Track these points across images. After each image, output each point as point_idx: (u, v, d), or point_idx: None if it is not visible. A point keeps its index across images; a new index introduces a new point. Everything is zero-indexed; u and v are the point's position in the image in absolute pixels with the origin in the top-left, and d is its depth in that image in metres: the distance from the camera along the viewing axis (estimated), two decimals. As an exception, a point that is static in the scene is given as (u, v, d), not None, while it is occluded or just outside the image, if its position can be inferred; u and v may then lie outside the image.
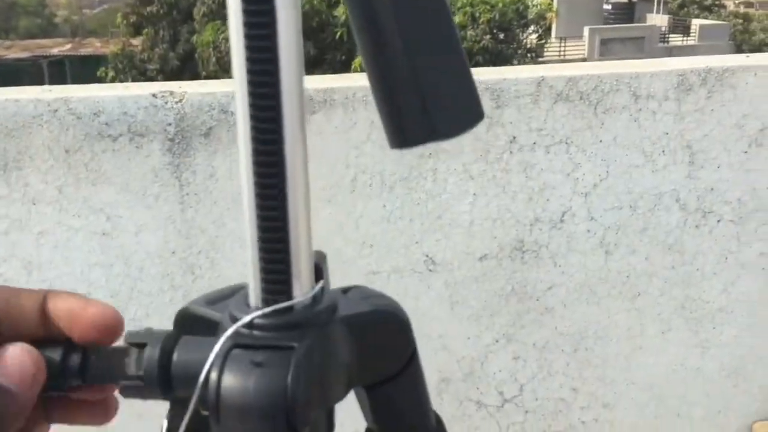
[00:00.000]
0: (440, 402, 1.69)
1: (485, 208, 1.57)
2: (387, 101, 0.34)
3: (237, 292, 0.38)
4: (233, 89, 0.33)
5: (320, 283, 0.36)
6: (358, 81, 1.48)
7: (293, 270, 0.35)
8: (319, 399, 0.35)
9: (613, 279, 1.65)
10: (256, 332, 0.34)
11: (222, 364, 0.33)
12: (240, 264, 1.50)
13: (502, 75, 1.51)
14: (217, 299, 0.39)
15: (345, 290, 0.41)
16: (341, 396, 0.38)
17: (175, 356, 0.35)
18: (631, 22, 20.78)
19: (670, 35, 20.98)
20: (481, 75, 1.52)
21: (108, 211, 1.43)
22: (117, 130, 1.39)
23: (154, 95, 1.40)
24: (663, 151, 1.57)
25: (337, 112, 1.46)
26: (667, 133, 1.56)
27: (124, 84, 1.46)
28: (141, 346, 0.35)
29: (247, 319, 0.34)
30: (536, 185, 1.57)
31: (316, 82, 1.49)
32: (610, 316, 1.68)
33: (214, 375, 0.33)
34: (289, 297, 0.35)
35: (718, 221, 1.63)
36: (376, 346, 0.40)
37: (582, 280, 1.64)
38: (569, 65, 1.65)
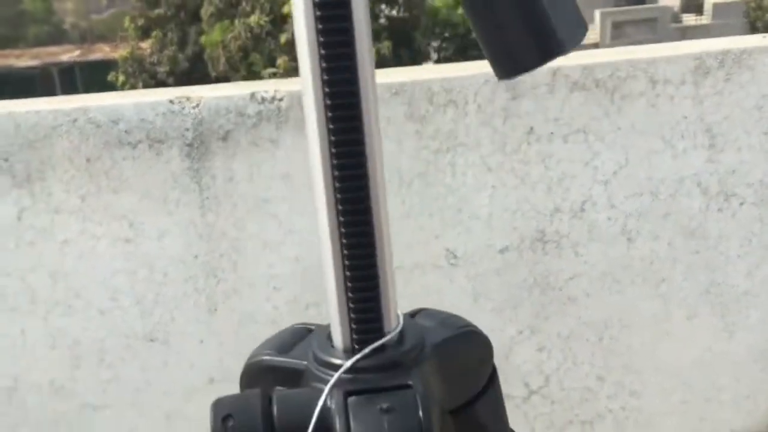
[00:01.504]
0: (466, 395, 1.69)
1: (504, 199, 1.56)
2: (514, 23, 0.32)
3: (301, 335, 0.36)
4: (301, 92, 0.30)
5: (401, 316, 0.35)
6: (372, 78, 1.48)
7: (383, 305, 0.33)
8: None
9: (636, 266, 1.64)
10: (359, 376, 0.33)
11: (345, 414, 0.31)
12: (264, 265, 1.50)
13: (517, 66, 1.51)
14: (286, 346, 0.36)
15: (412, 315, 0.39)
16: (445, 424, 0.36)
17: (276, 414, 0.32)
18: (643, 3, 20.57)
19: (683, 15, 20.75)
20: (496, 67, 1.51)
21: (130, 217, 1.44)
22: (136, 137, 1.40)
23: (171, 101, 1.41)
24: (682, 136, 1.56)
25: (353, 110, 1.46)
26: (686, 117, 1.55)
27: (141, 91, 1.46)
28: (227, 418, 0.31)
29: (350, 362, 0.32)
30: (555, 175, 1.56)
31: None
32: (635, 304, 1.67)
33: (339, 425, 0.30)
34: (382, 335, 0.33)
35: (741, 204, 1.62)
36: (462, 369, 0.39)
37: (604, 269, 1.64)
38: (584, 53, 1.64)
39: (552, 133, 1.53)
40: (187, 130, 1.42)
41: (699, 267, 1.65)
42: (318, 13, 0.28)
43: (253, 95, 1.43)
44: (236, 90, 1.48)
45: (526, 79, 1.50)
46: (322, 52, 0.29)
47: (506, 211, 1.57)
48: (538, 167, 1.55)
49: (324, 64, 0.29)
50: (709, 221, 1.62)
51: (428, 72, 1.52)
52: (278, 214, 1.48)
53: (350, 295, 0.32)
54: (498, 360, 1.53)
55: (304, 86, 0.29)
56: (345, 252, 0.31)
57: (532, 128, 1.52)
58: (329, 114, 0.29)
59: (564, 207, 1.58)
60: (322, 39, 0.28)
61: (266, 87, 1.47)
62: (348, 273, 0.31)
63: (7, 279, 1.44)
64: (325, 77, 0.29)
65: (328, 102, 0.29)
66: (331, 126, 0.29)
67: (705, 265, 1.65)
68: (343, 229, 0.30)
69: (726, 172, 1.59)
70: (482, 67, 1.54)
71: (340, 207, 0.30)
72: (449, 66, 1.62)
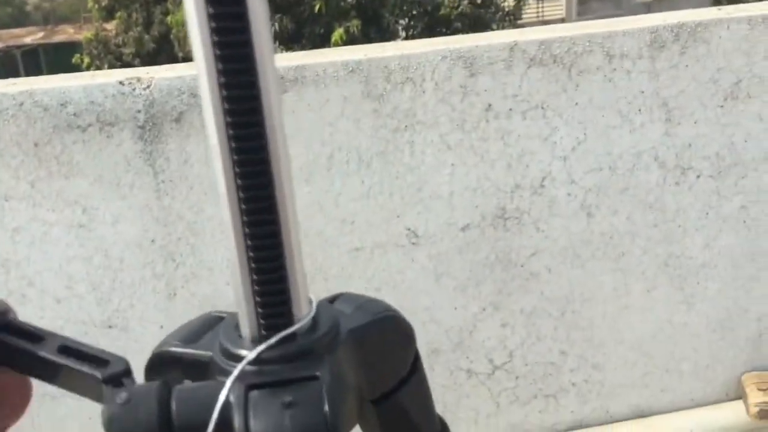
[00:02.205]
0: (431, 373, 1.69)
1: (465, 177, 1.56)
2: None
3: (212, 324, 0.34)
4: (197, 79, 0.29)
5: (315, 301, 0.33)
6: (328, 57, 1.46)
7: (292, 291, 0.31)
8: (349, 424, 0.32)
9: (596, 241, 1.65)
10: (264, 367, 0.31)
11: (245, 410, 0.29)
12: (222, 249, 1.48)
13: (474, 42, 1.49)
14: (194, 335, 0.35)
15: (331, 300, 0.38)
16: (360, 415, 0.35)
17: (174, 409, 0.30)
18: (609, -22, 20.57)
19: (649, -10, 20.82)
20: (454, 43, 1.50)
21: (83, 202, 1.41)
22: (86, 120, 1.37)
23: (121, 82, 1.37)
24: (639, 110, 1.57)
25: (309, 89, 1.44)
26: (643, 92, 1.55)
27: (90, 72, 1.42)
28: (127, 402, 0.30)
29: (254, 354, 0.30)
30: (514, 152, 1.56)
31: (285, 60, 1.46)
32: (595, 278, 1.68)
33: (238, 422, 0.29)
34: (291, 322, 0.31)
35: (698, 177, 1.63)
36: (382, 357, 0.37)
37: (565, 244, 1.64)
38: (541, 28, 1.63)
39: (510, 109, 1.52)
40: (139, 111, 1.39)
41: (657, 240, 1.67)
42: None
43: (206, 75, 1.40)
44: (189, 70, 1.45)
45: (482, 54, 1.49)
46: (215, 39, 0.27)
47: (467, 189, 1.56)
48: (497, 144, 1.54)
49: (218, 52, 0.27)
50: (666, 195, 1.63)
51: (384, 49, 1.50)
52: (236, 196, 1.46)
53: (255, 277, 0.30)
54: (462, 336, 1.54)
55: (199, 73, 0.28)
56: (248, 233, 0.29)
57: (490, 105, 1.52)
58: (226, 103, 0.28)
59: (524, 183, 1.58)
60: (214, 25, 0.27)
61: (220, 67, 1.44)
62: (252, 255, 0.30)
63: (-44, 268, 1.40)
64: (220, 66, 0.27)
65: (224, 93, 0.28)
66: (227, 106, 0.28)
67: (663, 238, 1.67)
68: (245, 218, 0.29)
69: (683, 146, 1.60)
70: (438, 43, 1.53)
71: (241, 194, 0.29)
72: (405, 43, 1.60)
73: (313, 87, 1.44)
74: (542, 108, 1.53)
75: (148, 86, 1.39)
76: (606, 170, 1.60)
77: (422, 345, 1.66)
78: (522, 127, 1.54)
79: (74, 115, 1.36)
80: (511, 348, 1.71)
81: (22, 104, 1.34)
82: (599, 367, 1.76)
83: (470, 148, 1.54)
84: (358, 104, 1.46)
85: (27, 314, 1.45)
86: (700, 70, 1.55)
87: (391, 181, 1.53)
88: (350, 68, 1.45)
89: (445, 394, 1.71)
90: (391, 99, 1.48)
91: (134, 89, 1.38)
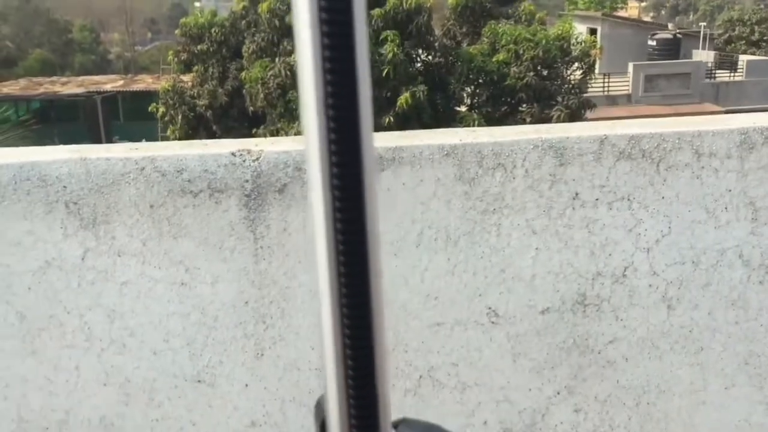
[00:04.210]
0: (500, 453, 1.70)
1: (548, 262, 1.60)
2: None
3: None
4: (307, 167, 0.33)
5: None
6: (425, 140, 1.54)
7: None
8: None
9: (675, 333, 1.66)
10: None
11: None
12: (311, 314, 1.55)
13: (565, 133, 1.56)
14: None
15: (395, 425, 0.41)
16: None
17: None
18: (677, 58, 20.62)
19: (717, 71, 20.74)
20: (546, 133, 1.56)
21: (187, 263, 1.50)
22: (198, 186, 1.47)
23: (233, 153, 1.48)
24: (726, 208, 1.59)
25: (405, 169, 1.52)
26: (730, 190, 1.58)
27: (204, 141, 1.53)
28: None
29: None
30: (598, 240, 1.59)
31: (384, 141, 1.55)
32: (673, 371, 1.68)
33: None
34: None
35: (783, 277, 1.63)
36: None
37: (644, 334, 1.65)
38: (632, 122, 1.68)
39: (597, 199, 1.57)
40: (247, 181, 1.49)
41: (738, 337, 1.66)
42: (327, 74, 0.31)
43: (310, 151, 1.50)
44: (294, 145, 1.54)
45: (573, 146, 1.54)
46: (331, 125, 0.32)
47: (549, 273, 1.60)
48: (582, 232, 1.58)
49: (333, 136, 0.32)
50: (749, 293, 1.63)
51: (477, 135, 1.58)
52: (328, 265, 1.53)
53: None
54: (535, 419, 1.55)
55: (309, 149, 0.33)
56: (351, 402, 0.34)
57: (577, 194, 1.56)
58: (335, 180, 0.32)
59: (606, 272, 1.61)
60: (331, 113, 0.31)
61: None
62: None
63: (66, 316, 1.50)
64: (333, 148, 0.32)
65: (335, 171, 0.32)
66: (336, 182, 0.32)
67: (744, 336, 1.66)
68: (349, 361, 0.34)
69: (769, 246, 1.61)
70: (530, 132, 1.59)
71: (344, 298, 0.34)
72: (497, 129, 1.67)
73: (409, 167, 1.52)
74: (628, 200, 1.57)
75: (257, 158, 1.49)
76: (689, 264, 1.62)
77: (494, 424, 1.68)
78: (607, 217, 1.58)
79: (188, 181, 1.47)
80: (583, 434, 1.71)
81: (143, 169, 1.45)
82: (672, 461, 1.74)
83: (555, 234, 1.58)
84: (451, 186, 1.53)
85: (125, 363, 1.53)
86: (788, 173, 1.57)
87: (476, 260, 1.58)
88: (445, 151, 1.53)
89: (513, 475, 1.71)
90: (482, 183, 1.54)
91: (244, 160, 1.48)
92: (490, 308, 1.61)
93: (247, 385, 1.57)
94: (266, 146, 1.52)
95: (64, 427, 1.55)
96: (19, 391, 1.55)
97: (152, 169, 1.46)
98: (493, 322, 1.62)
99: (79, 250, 1.48)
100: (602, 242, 1.59)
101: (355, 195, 0.33)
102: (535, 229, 1.58)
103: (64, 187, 1.45)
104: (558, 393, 1.68)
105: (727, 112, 16.10)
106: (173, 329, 1.52)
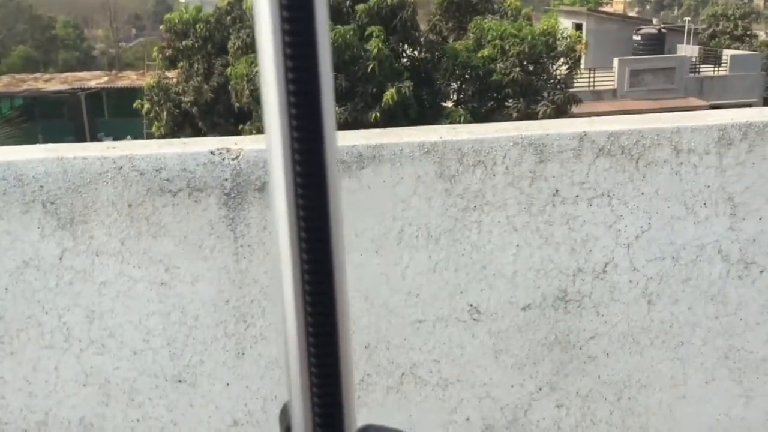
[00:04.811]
0: (483, 449, 1.70)
1: (529, 258, 1.60)
2: None
3: None
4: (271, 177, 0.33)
5: None
6: (405, 137, 1.54)
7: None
8: None
9: (655, 328, 1.67)
10: None
11: None
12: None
13: (545, 130, 1.56)
14: None
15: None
16: None
17: None
18: (662, 52, 20.72)
19: (701, 66, 20.87)
20: (525, 130, 1.56)
21: (167, 262, 1.49)
22: (177, 185, 1.46)
23: (212, 152, 1.47)
24: (705, 204, 1.60)
25: (385, 167, 1.52)
26: (709, 186, 1.59)
27: (183, 140, 1.52)
28: None
29: None
30: (579, 237, 1.60)
31: (364, 138, 1.55)
32: (653, 365, 1.69)
33: None
34: None
35: (761, 272, 1.65)
36: None
37: (625, 330, 1.66)
38: (611, 119, 1.69)
39: (577, 196, 1.57)
40: (226, 180, 1.48)
41: (718, 332, 1.67)
42: (290, 77, 0.31)
43: (290, 149, 1.49)
44: (274, 143, 1.54)
45: (553, 142, 1.55)
46: (294, 123, 0.32)
47: (530, 270, 1.60)
48: (562, 228, 1.59)
49: (296, 135, 0.32)
50: (729, 287, 1.65)
51: (458, 132, 1.58)
52: (308, 263, 1.53)
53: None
54: (517, 414, 1.55)
55: (272, 148, 0.33)
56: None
57: (557, 191, 1.57)
58: (299, 178, 0.33)
59: (587, 268, 1.62)
60: (293, 100, 0.32)
61: (303, 141, 1.53)
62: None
63: (45, 317, 1.49)
64: (296, 146, 0.32)
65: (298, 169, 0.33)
66: (299, 180, 0.33)
67: (724, 330, 1.67)
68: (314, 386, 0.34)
69: (747, 240, 1.62)
70: (510, 129, 1.59)
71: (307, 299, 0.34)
72: (477, 126, 1.67)
73: (390, 165, 1.52)
74: (608, 196, 1.58)
75: (237, 157, 1.48)
76: (669, 259, 1.63)
77: (477, 420, 1.68)
78: (587, 214, 1.58)
79: (167, 180, 1.46)
80: (565, 430, 1.71)
81: (121, 168, 1.44)
82: (653, 455, 1.75)
83: (536, 231, 1.59)
84: (431, 183, 1.53)
85: (105, 363, 1.52)
86: (767, 168, 1.58)
87: (457, 257, 1.58)
88: (425, 149, 1.53)
89: (496, 471, 1.72)
90: (462, 180, 1.54)
91: (224, 159, 1.47)
92: (471, 305, 1.62)
93: (228, 384, 1.57)
94: (245, 144, 1.51)
95: (44, 428, 1.54)
96: (-3, 393, 1.54)
97: (130, 168, 1.44)
98: (474, 319, 1.62)
99: (56, 250, 1.46)
100: (582, 238, 1.60)
101: (319, 196, 0.33)
102: (516, 225, 1.58)
103: (41, 186, 1.44)
104: (540, 389, 1.68)
105: (711, 106, 16.21)
106: (153, 329, 1.52)
